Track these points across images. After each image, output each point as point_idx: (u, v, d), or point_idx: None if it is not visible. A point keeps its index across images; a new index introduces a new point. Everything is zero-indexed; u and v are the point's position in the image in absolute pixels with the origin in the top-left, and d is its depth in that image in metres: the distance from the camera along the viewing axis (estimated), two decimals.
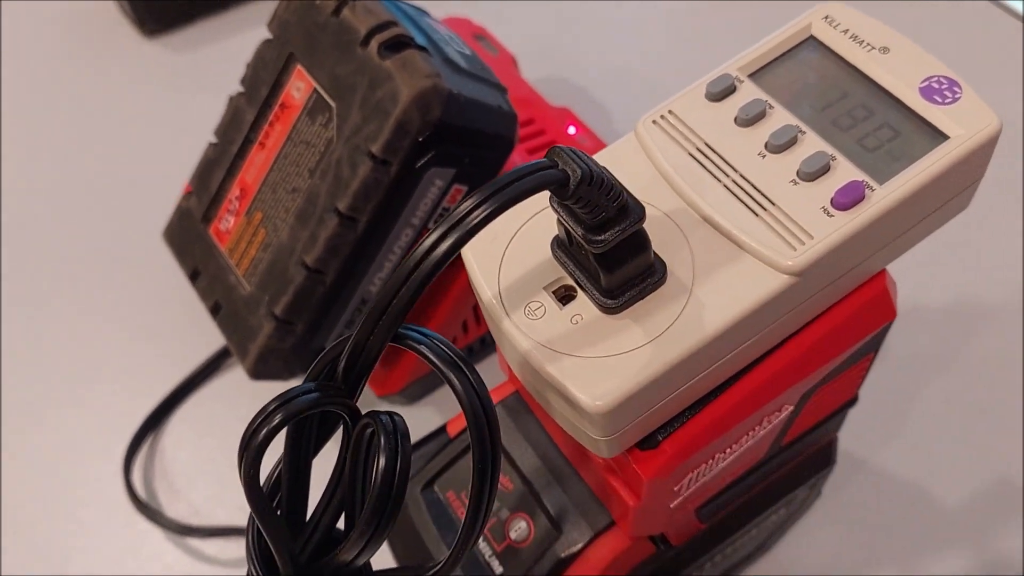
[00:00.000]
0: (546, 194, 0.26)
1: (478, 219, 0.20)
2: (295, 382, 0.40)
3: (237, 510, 0.46)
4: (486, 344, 0.48)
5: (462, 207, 0.20)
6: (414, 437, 0.39)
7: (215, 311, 0.40)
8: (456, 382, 0.20)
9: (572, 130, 0.50)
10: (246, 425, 0.23)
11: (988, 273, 0.51)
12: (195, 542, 0.45)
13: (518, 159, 0.44)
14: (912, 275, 0.47)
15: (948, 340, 0.49)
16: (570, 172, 0.20)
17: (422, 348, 0.21)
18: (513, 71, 0.54)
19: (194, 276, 0.42)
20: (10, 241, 0.58)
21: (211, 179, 0.41)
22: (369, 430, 0.22)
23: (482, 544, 0.33)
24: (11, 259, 0.57)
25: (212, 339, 0.49)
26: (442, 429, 0.37)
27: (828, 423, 0.33)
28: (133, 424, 0.48)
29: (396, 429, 0.21)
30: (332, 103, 0.36)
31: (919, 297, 0.50)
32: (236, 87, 0.41)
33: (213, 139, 0.42)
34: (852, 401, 0.33)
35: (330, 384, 0.22)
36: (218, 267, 0.40)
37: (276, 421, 0.21)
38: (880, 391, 0.46)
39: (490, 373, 0.45)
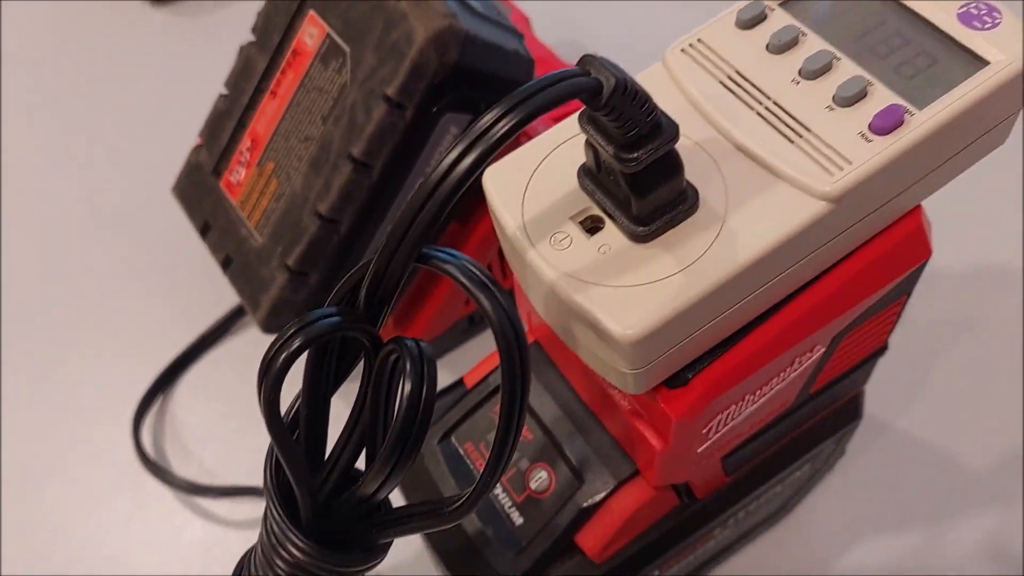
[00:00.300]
0: (571, 126, 0.26)
1: (504, 130, 0.19)
2: None
3: (248, 472, 0.45)
4: None
5: (486, 118, 0.19)
6: None
7: (226, 265, 0.39)
8: (485, 302, 0.20)
9: None
10: (256, 385, 0.22)
11: (1017, 235, 0.50)
12: (205, 502, 0.45)
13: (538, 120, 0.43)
14: (938, 237, 0.46)
15: (974, 303, 0.48)
16: (603, 80, 0.19)
17: (449, 268, 0.20)
18: (527, 30, 0.53)
19: (204, 230, 0.41)
20: (19, 201, 0.57)
21: (222, 131, 0.40)
22: (393, 356, 0.21)
23: (502, 495, 0.32)
24: (20, 219, 0.56)
25: (223, 298, 0.49)
26: (459, 382, 0.36)
27: (857, 372, 0.32)
28: (143, 384, 0.48)
29: (422, 354, 0.20)
30: (346, 47, 0.35)
31: (945, 260, 0.49)
32: (246, 39, 0.40)
33: (224, 90, 0.41)
34: (882, 350, 0.32)
35: (352, 310, 0.21)
36: (229, 220, 0.39)
37: (296, 345, 0.20)
38: (906, 354, 0.45)
39: (487, 350, 0.45)
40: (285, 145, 0.37)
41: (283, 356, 0.20)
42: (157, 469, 0.45)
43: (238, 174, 0.39)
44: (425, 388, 0.20)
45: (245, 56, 0.40)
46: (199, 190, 0.41)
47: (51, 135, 0.61)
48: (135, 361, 0.49)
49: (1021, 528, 0.41)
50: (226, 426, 0.47)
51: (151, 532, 0.44)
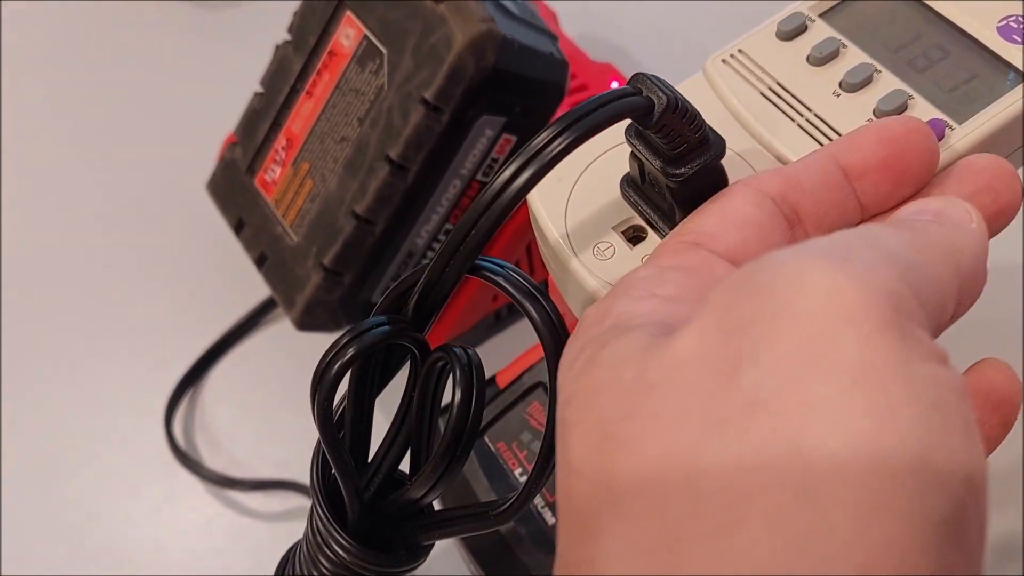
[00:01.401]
0: (614, 136, 0.26)
1: (560, 147, 0.19)
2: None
3: (277, 464, 0.46)
4: (513, 311, 0.48)
5: (543, 136, 0.20)
6: None
7: (260, 262, 0.40)
8: (533, 312, 0.20)
9: (615, 86, 0.49)
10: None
11: (1016, 235, 0.50)
12: (236, 495, 0.45)
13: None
14: None
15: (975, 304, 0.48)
16: (655, 99, 0.20)
17: (499, 280, 0.21)
18: (556, 27, 0.53)
19: (239, 227, 0.41)
20: (52, 195, 0.58)
21: (256, 129, 0.41)
22: (440, 363, 0.22)
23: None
24: (54, 213, 0.57)
25: (254, 293, 0.49)
26: (491, 381, 0.36)
27: None
28: (174, 377, 0.48)
29: (471, 362, 0.21)
30: (383, 49, 0.35)
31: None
32: (280, 39, 0.41)
33: (259, 89, 0.41)
34: None
35: (400, 318, 0.22)
36: (263, 218, 0.40)
37: (349, 354, 0.21)
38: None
39: (514, 344, 0.45)
40: (321, 146, 0.38)
41: (337, 365, 0.21)
42: (188, 460, 0.45)
43: (273, 173, 0.40)
44: (475, 396, 0.21)
45: (281, 55, 0.40)
46: (233, 187, 0.42)
47: (83, 130, 0.61)
48: (167, 353, 0.50)
49: (1021, 526, 0.42)
50: (256, 418, 0.48)
51: (181, 523, 0.45)
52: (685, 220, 0.21)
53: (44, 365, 0.51)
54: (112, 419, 0.48)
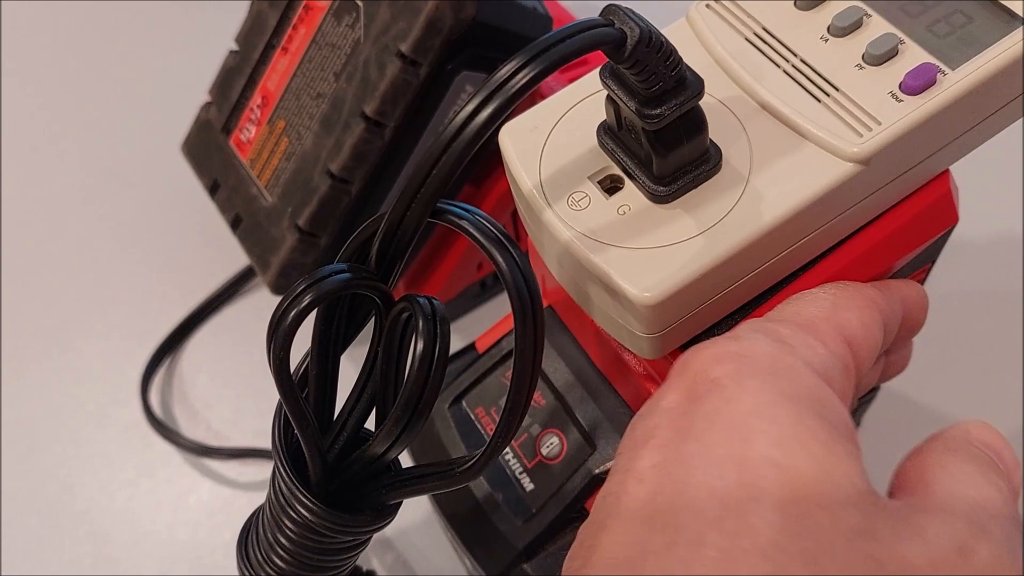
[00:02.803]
0: (591, 83, 0.25)
1: (523, 81, 0.18)
2: None
3: (255, 434, 0.45)
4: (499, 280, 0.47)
5: (505, 69, 0.18)
6: None
7: (235, 224, 0.39)
8: (499, 258, 0.19)
9: None
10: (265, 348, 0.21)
11: None
12: (213, 463, 0.44)
13: (552, 80, 0.42)
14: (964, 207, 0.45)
15: (998, 274, 0.47)
16: (627, 31, 0.18)
17: (464, 224, 0.20)
18: None
19: (213, 189, 0.40)
20: (24, 160, 0.57)
21: (232, 88, 0.40)
22: (405, 315, 0.21)
23: (512, 460, 0.31)
24: (25, 177, 0.56)
25: (233, 259, 0.48)
26: (471, 346, 0.35)
27: None
28: (151, 345, 0.47)
29: (435, 312, 0.20)
30: (359, 2, 0.34)
31: (969, 228, 0.48)
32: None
33: (234, 46, 0.40)
34: None
35: (361, 266, 0.21)
36: (238, 178, 0.39)
37: (306, 302, 0.20)
38: (926, 326, 0.45)
39: (499, 315, 0.44)
40: (296, 103, 0.37)
41: (293, 313, 0.20)
42: (165, 430, 0.45)
43: (248, 132, 0.39)
44: (438, 347, 0.20)
45: (256, 11, 0.39)
46: (208, 148, 0.41)
47: (57, 93, 0.60)
48: (144, 322, 0.49)
49: (1021, 526, 0.41)
50: (234, 388, 0.47)
51: (159, 492, 0.44)
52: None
53: (19, 336, 0.50)
54: (89, 389, 0.47)
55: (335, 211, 0.35)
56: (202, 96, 0.42)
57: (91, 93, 0.60)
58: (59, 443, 0.46)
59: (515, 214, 0.44)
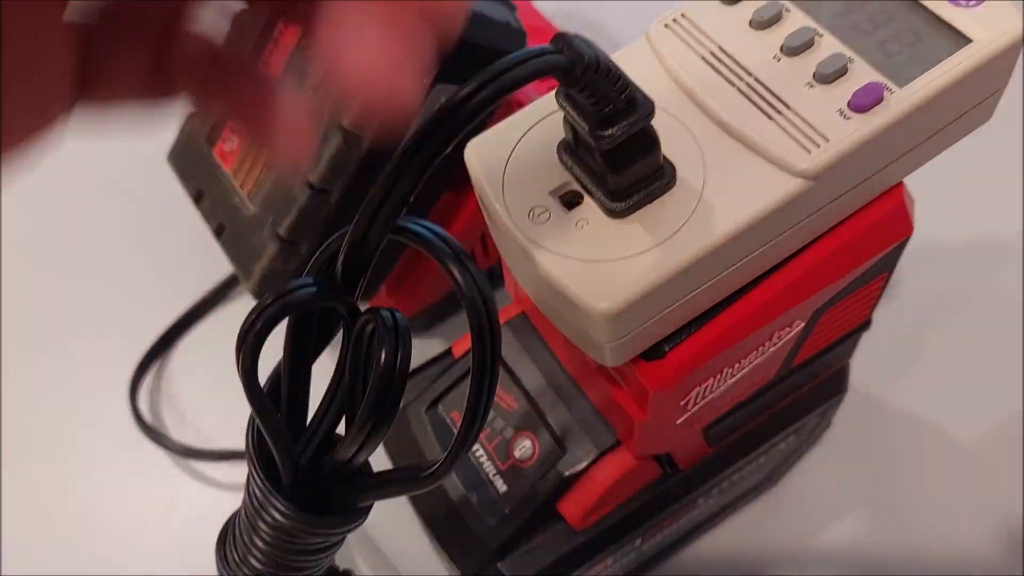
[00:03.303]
0: (553, 100, 0.26)
1: (476, 103, 0.19)
2: None
3: (243, 436, 0.46)
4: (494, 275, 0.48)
5: (459, 95, 0.19)
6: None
7: (219, 233, 0.40)
8: (456, 273, 0.20)
9: None
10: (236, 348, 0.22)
11: (1008, 210, 0.50)
12: (201, 466, 0.45)
13: (531, 89, 0.43)
14: (933, 211, 0.46)
15: (965, 279, 0.48)
16: (575, 57, 0.19)
17: (421, 240, 0.20)
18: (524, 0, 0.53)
19: (198, 198, 0.41)
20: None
21: None
22: (370, 327, 0.22)
23: (486, 463, 0.32)
24: (16, 185, 0.57)
25: (219, 266, 0.49)
26: (447, 352, 0.36)
27: (840, 347, 0.32)
28: (140, 350, 0.48)
29: (396, 324, 0.21)
30: None
31: (936, 234, 0.49)
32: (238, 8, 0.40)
33: None
34: (865, 325, 0.32)
35: (329, 280, 0.22)
36: (222, 188, 0.40)
37: (271, 314, 0.21)
38: (895, 329, 0.46)
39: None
40: None
41: (260, 324, 0.21)
42: (153, 433, 0.45)
43: (231, 143, 0.40)
44: (399, 358, 0.21)
45: (239, 24, 0.40)
46: (193, 158, 0.42)
47: None
48: (132, 327, 0.50)
49: (1003, 501, 0.42)
50: (222, 391, 0.48)
51: (147, 495, 0.45)
52: None
53: (10, 340, 0.50)
54: (79, 392, 0.48)
55: (314, 220, 0.36)
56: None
57: None
58: (51, 445, 0.47)
59: (484, 236, 0.45)
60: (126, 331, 0.50)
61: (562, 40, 0.19)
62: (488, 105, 0.19)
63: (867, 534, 0.41)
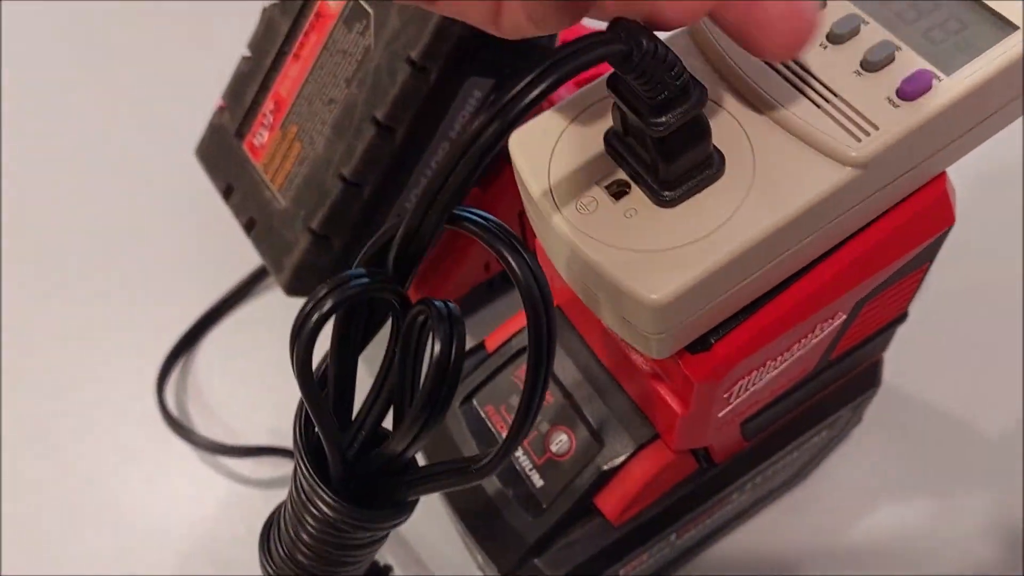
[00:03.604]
0: (598, 90, 0.26)
1: (537, 92, 0.19)
2: None
3: (270, 431, 0.46)
4: (506, 279, 0.48)
5: (521, 84, 0.19)
6: None
7: (249, 227, 0.40)
8: (513, 263, 0.20)
9: None
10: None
11: None
12: (228, 461, 0.45)
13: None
14: (965, 203, 0.45)
15: (998, 272, 0.48)
16: (633, 44, 0.19)
17: (478, 230, 0.20)
18: None
19: (227, 193, 0.41)
20: (45, 163, 0.58)
21: (245, 93, 0.40)
22: (421, 318, 0.22)
23: (522, 457, 0.32)
24: (46, 180, 0.57)
25: (246, 261, 0.49)
26: (480, 345, 0.36)
27: (877, 339, 0.32)
28: (167, 345, 0.48)
29: (451, 314, 0.21)
30: (370, 9, 0.35)
31: (970, 227, 0.49)
32: (268, 2, 0.40)
33: (246, 53, 0.41)
34: (902, 317, 0.32)
35: (380, 271, 0.22)
36: (252, 183, 0.40)
37: (328, 306, 0.20)
38: (926, 322, 0.45)
39: (506, 314, 0.45)
40: (308, 108, 0.37)
41: (315, 317, 0.20)
42: (181, 428, 0.45)
43: (261, 137, 0.40)
44: (454, 349, 0.20)
45: (268, 18, 0.40)
46: (222, 152, 0.41)
47: (76, 98, 0.61)
48: (159, 322, 0.50)
49: (1021, 526, 0.41)
50: (249, 386, 0.48)
51: (175, 490, 0.45)
52: None
53: (38, 334, 0.51)
54: (106, 388, 0.48)
55: (347, 214, 0.36)
56: (216, 100, 0.43)
57: (109, 98, 0.60)
58: (79, 439, 0.47)
59: (522, 214, 0.44)
60: (153, 326, 0.50)
61: (620, 26, 0.19)
62: (548, 93, 0.19)
63: (894, 529, 0.41)
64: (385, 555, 0.42)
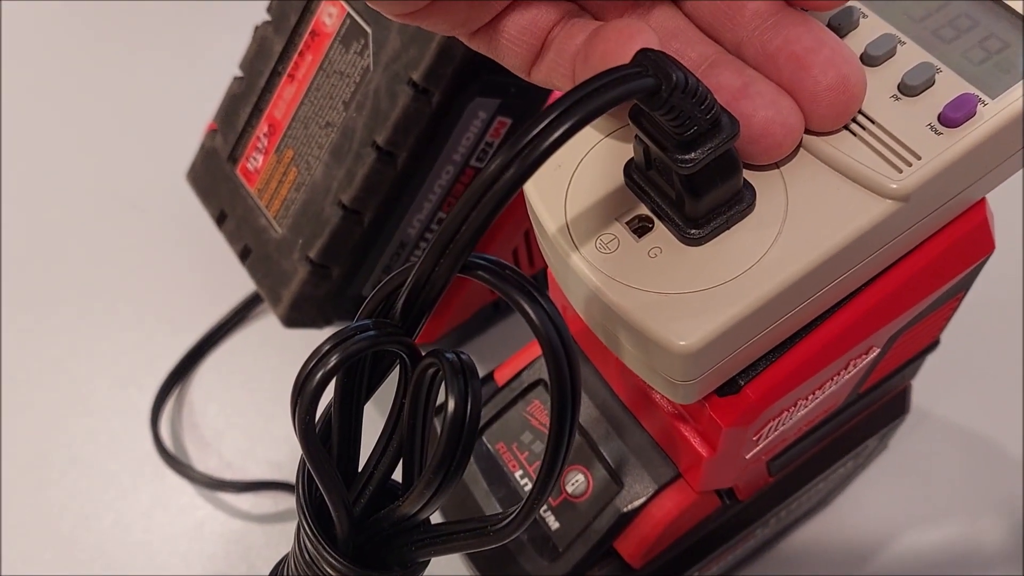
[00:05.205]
0: (616, 118, 0.24)
1: (557, 135, 0.17)
2: (329, 330, 0.38)
3: (267, 464, 0.45)
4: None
5: (539, 122, 0.18)
6: None
7: (244, 255, 0.38)
8: (532, 313, 0.18)
9: None
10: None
11: None
12: (227, 496, 0.44)
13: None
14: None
15: (1016, 287, 0.46)
16: (663, 78, 0.18)
17: (492, 279, 0.19)
18: None
19: (221, 219, 0.39)
20: (33, 186, 0.56)
21: (237, 116, 0.39)
22: (432, 370, 0.20)
23: None
24: (33, 206, 0.55)
25: (239, 287, 0.47)
26: (488, 376, 0.35)
27: (907, 368, 0.31)
28: (160, 376, 0.47)
29: (464, 368, 0.19)
30: (367, 28, 0.33)
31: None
32: (260, 20, 0.39)
33: (238, 73, 0.39)
34: (933, 345, 0.31)
35: (387, 321, 0.20)
36: (246, 209, 0.38)
37: (332, 363, 0.19)
38: (951, 343, 0.44)
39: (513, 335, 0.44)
40: (304, 132, 0.36)
41: (319, 376, 0.19)
42: (176, 463, 0.44)
43: (255, 161, 0.38)
44: (470, 404, 0.19)
45: (260, 37, 0.38)
46: (215, 177, 0.40)
47: (64, 118, 0.59)
48: (152, 351, 0.48)
49: (1021, 526, 0.40)
50: (245, 416, 0.46)
51: (173, 526, 0.44)
52: None
53: (28, 365, 0.49)
54: (99, 421, 0.47)
55: (347, 242, 0.35)
56: (207, 122, 0.41)
57: (98, 119, 0.59)
58: (72, 475, 0.45)
59: (528, 232, 0.43)
60: (146, 355, 0.48)
61: (647, 59, 0.18)
62: (571, 134, 0.17)
63: (918, 555, 0.40)
64: None
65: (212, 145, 0.40)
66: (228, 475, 0.44)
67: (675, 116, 0.19)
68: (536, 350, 0.33)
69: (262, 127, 0.38)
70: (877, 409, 0.33)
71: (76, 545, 0.43)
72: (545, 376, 0.32)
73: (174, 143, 0.49)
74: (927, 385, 0.42)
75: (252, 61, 0.39)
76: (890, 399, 0.33)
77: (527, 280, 0.19)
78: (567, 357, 0.19)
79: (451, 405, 0.19)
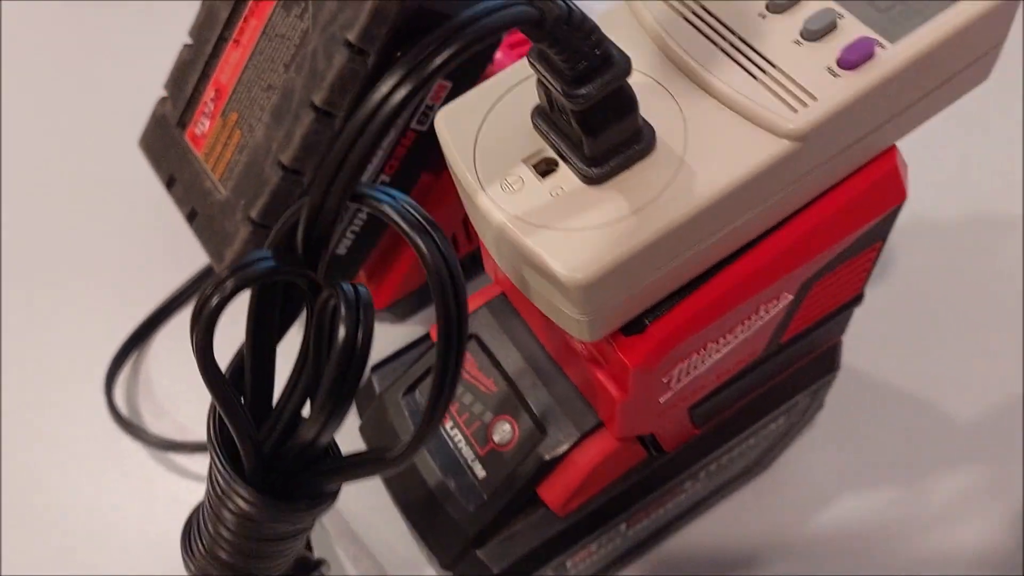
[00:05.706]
0: (524, 67, 0.25)
1: (440, 61, 0.18)
2: None
3: None
4: (467, 269, 0.47)
5: (422, 49, 0.18)
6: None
7: (191, 218, 0.38)
8: (421, 243, 0.19)
9: None
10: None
11: (1006, 183, 0.49)
12: (180, 459, 0.44)
13: (504, 58, 0.42)
14: (923, 180, 0.44)
15: (959, 251, 0.47)
16: (544, 8, 0.18)
17: (384, 207, 0.19)
18: None
19: (170, 183, 0.40)
20: None
21: (186, 82, 0.39)
22: (332, 302, 0.21)
23: (465, 448, 0.31)
24: None
25: (197, 254, 0.48)
26: (426, 336, 0.35)
27: (831, 322, 0.31)
28: (116, 342, 0.47)
29: (358, 298, 0.20)
30: None
31: (929, 208, 0.48)
32: None
33: (188, 40, 0.40)
34: (857, 299, 0.31)
35: (289, 253, 0.21)
36: (193, 173, 0.38)
37: (229, 289, 0.19)
38: (887, 303, 0.45)
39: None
40: (248, 95, 0.36)
41: (215, 300, 0.19)
42: (131, 427, 0.44)
43: (202, 126, 0.38)
44: (360, 333, 0.19)
45: (208, 4, 0.39)
46: (164, 143, 0.40)
47: (14, 92, 0.59)
48: (108, 318, 0.48)
49: (1000, 481, 0.41)
50: (200, 382, 0.47)
51: (126, 488, 0.44)
52: None
53: None
54: (54, 388, 0.47)
55: (287, 202, 0.35)
56: (160, 90, 0.42)
57: (50, 91, 0.59)
58: (25, 440, 0.46)
59: (465, 220, 0.43)
60: (103, 322, 0.48)
61: None
62: (453, 60, 0.18)
63: (862, 515, 0.40)
64: (336, 549, 0.41)
65: (163, 112, 0.41)
66: (181, 438, 0.44)
67: (563, 49, 0.19)
68: (471, 306, 0.34)
69: (209, 92, 0.38)
70: (805, 365, 0.34)
71: (26, 508, 0.44)
72: (477, 331, 0.32)
73: (130, 110, 0.49)
74: (866, 346, 0.43)
75: (200, 28, 0.39)
76: (819, 355, 0.34)
77: (420, 213, 0.20)
78: (453, 288, 0.19)
79: (341, 333, 0.19)
